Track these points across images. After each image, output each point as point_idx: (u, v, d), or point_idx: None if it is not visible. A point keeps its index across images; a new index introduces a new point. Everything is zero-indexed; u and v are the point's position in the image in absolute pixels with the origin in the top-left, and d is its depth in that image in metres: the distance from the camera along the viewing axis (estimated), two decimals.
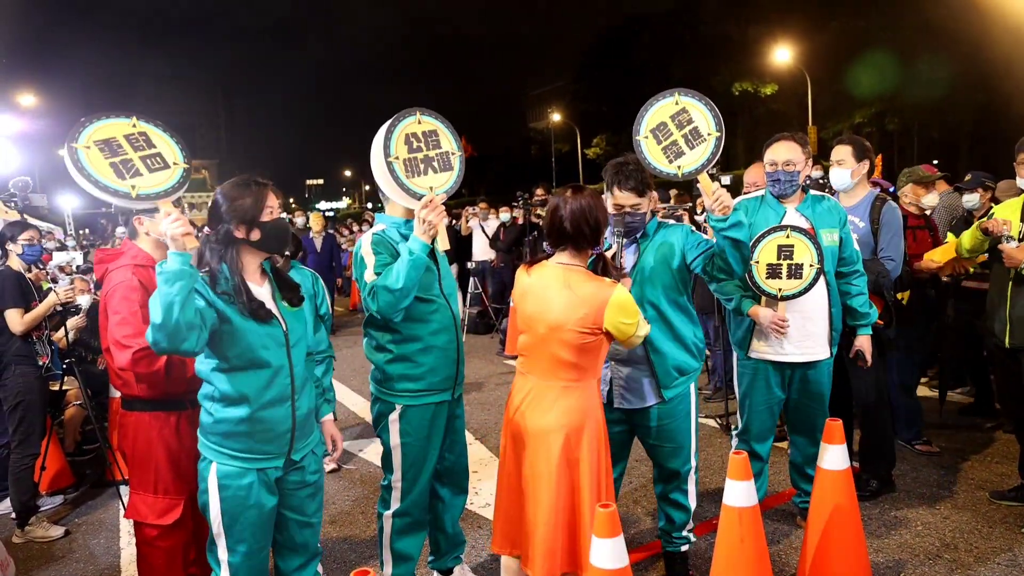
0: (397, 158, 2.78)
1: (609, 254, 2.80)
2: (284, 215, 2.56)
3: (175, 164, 2.34)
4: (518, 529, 2.64)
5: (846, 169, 3.88)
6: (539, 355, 2.59)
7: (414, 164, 2.82)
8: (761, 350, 3.49)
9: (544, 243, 2.73)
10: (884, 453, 3.99)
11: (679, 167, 2.96)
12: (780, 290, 3.26)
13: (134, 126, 2.30)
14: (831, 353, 3.46)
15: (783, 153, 3.38)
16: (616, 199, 2.96)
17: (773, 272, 3.26)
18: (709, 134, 2.96)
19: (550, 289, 2.55)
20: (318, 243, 10.73)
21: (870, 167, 3.93)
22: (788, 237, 3.24)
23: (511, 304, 7.72)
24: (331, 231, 12.50)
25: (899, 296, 4.54)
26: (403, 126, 2.82)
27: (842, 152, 3.90)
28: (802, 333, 3.39)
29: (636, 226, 3.00)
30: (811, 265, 3.22)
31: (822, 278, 3.36)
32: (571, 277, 2.54)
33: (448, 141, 2.94)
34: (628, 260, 3.04)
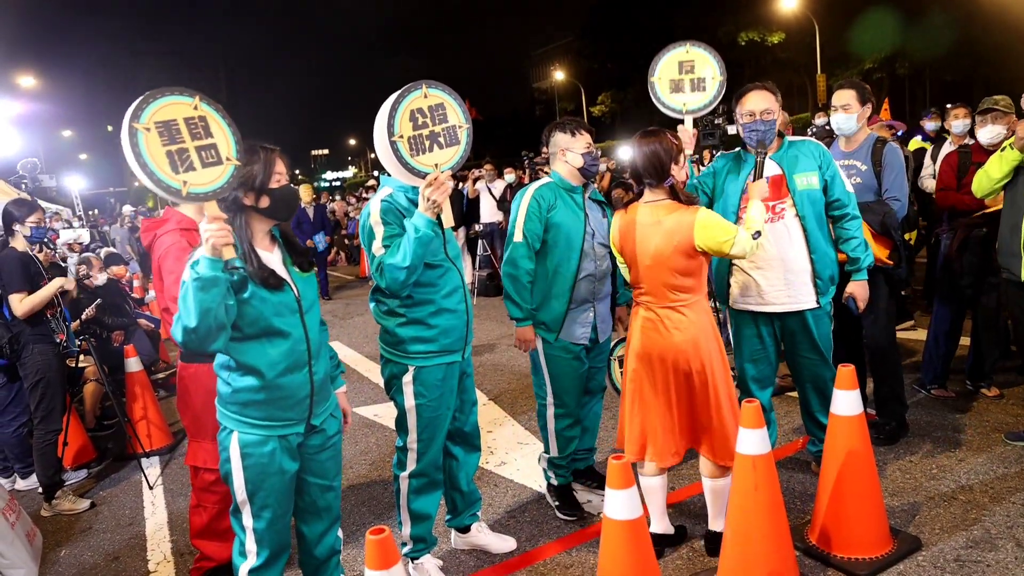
0: (401, 136, 2.69)
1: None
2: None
3: (227, 160, 2.26)
4: (655, 436, 3.01)
5: (852, 114, 3.83)
6: (650, 284, 2.96)
7: (419, 142, 2.73)
8: (740, 301, 3.48)
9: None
10: (898, 395, 4.00)
11: (684, 104, 3.50)
12: (684, 104, 3.50)
13: (196, 108, 2.22)
14: (819, 303, 3.38)
15: (761, 102, 3.29)
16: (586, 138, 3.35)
17: (676, 87, 3.48)
18: (713, 78, 3.44)
19: (644, 226, 2.94)
20: (310, 212, 11.01)
21: (873, 109, 3.90)
22: (688, 52, 3.48)
23: None
24: (322, 202, 13.20)
25: (906, 236, 4.50)
26: (408, 102, 2.72)
27: (846, 96, 3.83)
28: (783, 282, 3.34)
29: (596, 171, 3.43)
30: (713, 78, 3.49)
31: (798, 224, 3.30)
32: (659, 211, 2.92)
33: (456, 114, 2.86)
34: (597, 221, 3.43)
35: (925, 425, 4.15)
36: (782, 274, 3.34)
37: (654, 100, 3.51)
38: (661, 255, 2.88)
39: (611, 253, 3.37)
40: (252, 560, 2.45)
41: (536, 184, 3.41)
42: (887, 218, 3.66)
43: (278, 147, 2.42)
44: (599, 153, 3.44)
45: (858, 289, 3.48)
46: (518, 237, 3.31)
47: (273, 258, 2.41)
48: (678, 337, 2.91)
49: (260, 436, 2.36)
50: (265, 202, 2.35)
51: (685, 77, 3.47)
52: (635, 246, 2.96)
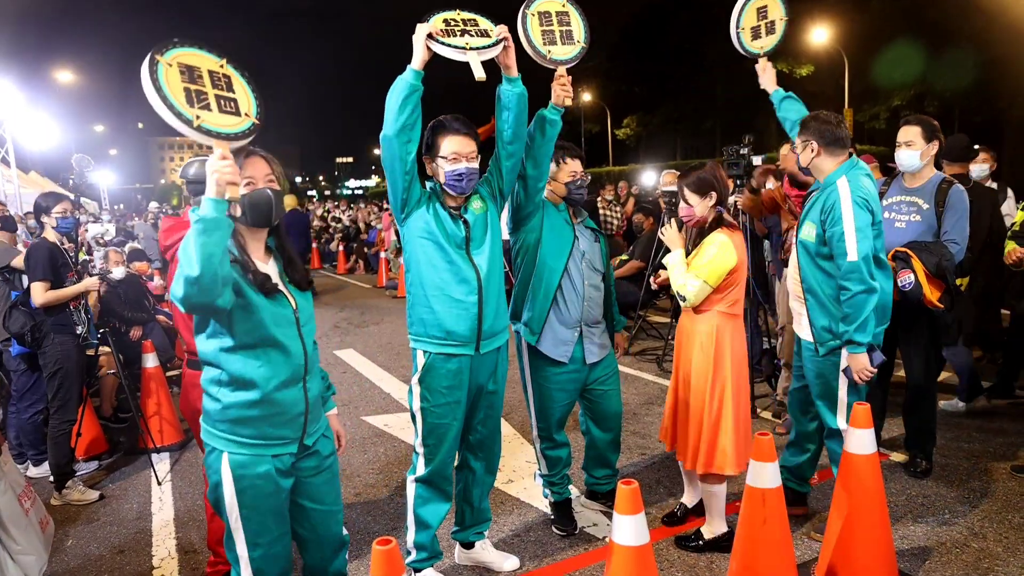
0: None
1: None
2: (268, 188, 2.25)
3: (246, 115, 2.18)
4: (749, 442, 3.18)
5: (915, 151, 3.80)
6: (740, 298, 3.24)
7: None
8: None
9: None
10: (931, 430, 4.04)
11: (761, 47, 3.81)
12: (762, 48, 3.77)
13: (221, 67, 2.18)
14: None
15: None
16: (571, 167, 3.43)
17: (755, 33, 3.71)
18: (781, 19, 3.81)
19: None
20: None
21: (940, 147, 3.85)
22: None
23: None
24: (301, 209, 14.03)
25: (958, 282, 4.49)
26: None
27: (911, 133, 3.81)
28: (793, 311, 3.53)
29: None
30: (781, 19, 3.79)
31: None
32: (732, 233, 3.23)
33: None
34: (588, 244, 3.48)
35: (940, 468, 4.09)
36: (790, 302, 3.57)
37: (736, 46, 3.81)
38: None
39: (605, 277, 3.53)
40: None
41: None
42: (944, 260, 3.63)
43: (258, 149, 2.28)
44: (587, 179, 3.47)
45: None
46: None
47: (269, 269, 2.29)
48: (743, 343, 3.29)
49: (253, 456, 2.20)
50: (237, 210, 2.18)
51: (762, 23, 3.80)
52: (743, 261, 3.20)
